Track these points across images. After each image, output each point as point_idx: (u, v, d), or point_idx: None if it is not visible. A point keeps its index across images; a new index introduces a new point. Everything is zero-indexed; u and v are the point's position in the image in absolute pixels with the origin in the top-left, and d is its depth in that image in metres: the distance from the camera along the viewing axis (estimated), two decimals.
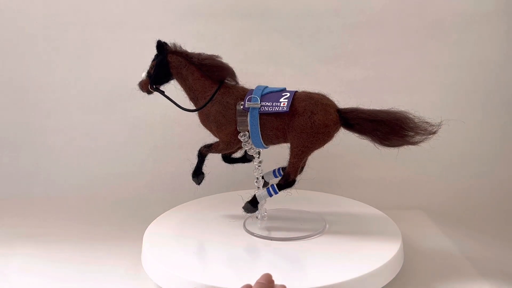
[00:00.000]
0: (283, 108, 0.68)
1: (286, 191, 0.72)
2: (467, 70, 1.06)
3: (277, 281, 0.54)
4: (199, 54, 0.75)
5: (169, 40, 1.06)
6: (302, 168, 0.74)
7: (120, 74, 1.09)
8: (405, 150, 1.09)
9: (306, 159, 0.73)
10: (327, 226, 0.75)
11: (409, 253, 0.74)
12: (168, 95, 0.77)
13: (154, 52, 1.08)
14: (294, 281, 0.60)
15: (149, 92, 0.77)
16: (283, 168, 0.74)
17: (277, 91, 0.71)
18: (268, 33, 1.05)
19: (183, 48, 0.77)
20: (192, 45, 1.07)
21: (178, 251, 0.69)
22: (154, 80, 0.76)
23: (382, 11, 1.05)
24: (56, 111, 1.11)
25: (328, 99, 0.70)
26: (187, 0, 1.05)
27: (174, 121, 1.10)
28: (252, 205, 0.74)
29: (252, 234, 0.73)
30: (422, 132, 0.67)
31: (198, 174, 0.79)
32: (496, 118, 1.08)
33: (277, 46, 1.06)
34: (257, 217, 0.79)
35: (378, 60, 1.06)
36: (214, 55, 0.75)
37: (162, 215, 0.84)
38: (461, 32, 1.04)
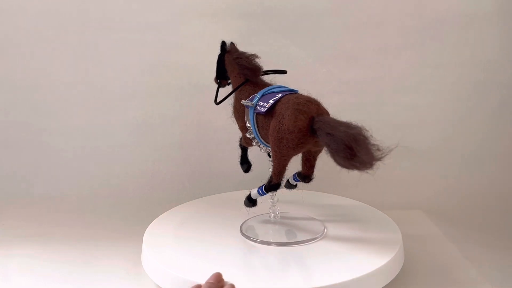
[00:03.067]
0: (264, 109, 0.67)
1: (272, 194, 0.74)
2: (467, 70, 1.06)
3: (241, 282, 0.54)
4: (239, 53, 0.79)
5: (168, 40, 1.08)
6: (309, 177, 0.72)
7: (120, 74, 1.09)
8: (405, 150, 1.09)
9: (312, 164, 0.71)
10: (326, 231, 0.75)
11: (409, 253, 0.74)
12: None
13: (153, 51, 1.09)
14: (294, 281, 0.60)
15: (218, 85, 0.85)
16: (298, 173, 0.73)
17: (276, 92, 0.70)
18: (268, 33, 1.05)
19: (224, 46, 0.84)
20: (192, 45, 1.08)
21: (178, 251, 0.69)
22: (216, 75, 0.85)
23: (382, 11, 1.05)
24: (56, 111, 1.11)
25: (308, 104, 0.63)
26: (187, 0, 1.05)
27: (174, 121, 1.10)
28: (249, 200, 0.74)
29: (249, 238, 0.73)
30: (368, 156, 0.56)
31: (242, 163, 0.82)
32: (496, 118, 1.08)
33: (277, 46, 1.06)
34: (269, 216, 0.79)
35: (378, 60, 1.06)
36: (250, 55, 0.78)
37: (162, 215, 0.84)
38: (461, 32, 1.04)
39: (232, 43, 0.84)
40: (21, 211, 1.01)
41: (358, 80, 1.07)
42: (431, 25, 1.04)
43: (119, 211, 1.00)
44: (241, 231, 0.76)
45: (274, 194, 0.76)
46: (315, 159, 0.70)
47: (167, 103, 1.09)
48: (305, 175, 0.71)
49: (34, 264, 0.76)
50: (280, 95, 0.67)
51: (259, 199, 0.74)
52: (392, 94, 1.07)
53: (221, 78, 0.84)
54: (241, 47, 1.06)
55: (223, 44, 0.83)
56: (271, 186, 0.69)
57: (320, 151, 0.68)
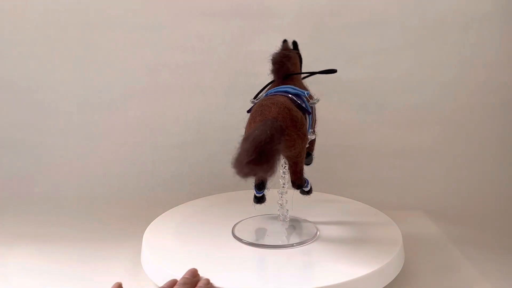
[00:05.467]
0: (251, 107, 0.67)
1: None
2: (467, 70, 1.06)
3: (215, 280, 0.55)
4: (275, 53, 0.76)
5: (168, 40, 1.08)
6: (295, 183, 0.69)
7: (120, 74, 1.09)
8: (405, 150, 1.09)
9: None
10: (318, 233, 0.74)
11: (409, 253, 0.74)
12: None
13: (153, 51, 1.09)
14: (295, 282, 0.60)
15: None
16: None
17: (273, 92, 0.69)
18: (268, 33, 1.05)
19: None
20: (192, 45, 1.08)
21: (178, 251, 0.69)
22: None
23: (382, 11, 1.05)
24: (56, 111, 1.11)
25: (270, 107, 0.61)
26: (187, 0, 1.05)
27: (174, 121, 1.10)
28: (255, 197, 0.74)
29: (241, 240, 0.72)
30: (235, 163, 0.52)
31: None
32: (496, 118, 1.08)
33: (277, 46, 1.05)
34: (279, 217, 0.78)
35: (378, 60, 1.06)
36: (283, 56, 0.75)
37: (162, 215, 0.84)
38: (461, 32, 1.04)
39: (284, 41, 0.81)
40: (21, 211, 1.01)
41: (358, 80, 1.07)
42: (431, 25, 1.04)
43: (119, 211, 1.00)
44: (233, 233, 0.75)
45: (281, 196, 0.76)
46: (292, 164, 0.66)
47: (167, 103, 1.09)
48: (292, 181, 0.69)
49: (34, 264, 0.76)
50: (274, 93, 0.67)
51: (267, 197, 0.74)
52: (392, 94, 1.07)
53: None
54: (241, 47, 1.07)
55: (284, 42, 0.81)
56: (255, 185, 0.69)
57: (293, 156, 0.64)
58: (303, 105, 0.66)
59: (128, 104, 1.10)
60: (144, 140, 1.11)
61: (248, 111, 0.67)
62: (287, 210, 0.77)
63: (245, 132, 0.64)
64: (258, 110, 0.62)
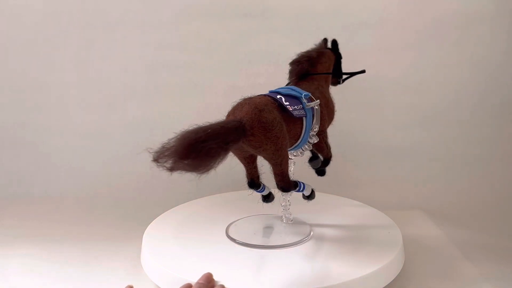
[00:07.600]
0: None
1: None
2: (467, 70, 1.06)
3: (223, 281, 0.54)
4: (300, 52, 0.77)
5: (168, 40, 1.08)
6: (278, 185, 0.67)
7: (120, 74, 1.09)
8: (405, 150, 1.10)
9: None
10: (312, 233, 0.74)
11: (409, 253, 0.74)
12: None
13: (153, 51, 1.09)
14: (294, 282, 0.60)
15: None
16: None
17: (270, 92, 0.69)
18: (268, 33, 1.05)
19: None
20: (192, 45, 1.08)
21: (178, 251, 0.69)
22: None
23: (382, 11, 1.05)
24: (56, 111, 1.11)
25: (243, 106, 0.61)
26: (187, 0, 1.05)
27: (174, 121, 1.10)
28: (262, 196, 0.74)
29: (235, 241, 0.72)
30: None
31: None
32: (496, 118, 1.08)
33: (277, 46, 1.06)
34: (282, 218, 0.78)
35: (378, 60, 1.06)
36: (301, 55, 0.75)
37: (161, 215, 0.84)
38: (461, 32, 1.04)
39: (324, 40, 0.82)
40: (21, 211, 1.01)
41: (358, 80, 1.06)
42: (431, 25, 1.05)
43: (119, 211, 1.00)
44: (227, 234, 0.74)
45: (283, 197, 0.76)
46: (272, 167, 0.64)
47: (167, 103, 1.09)
48: (276, 183, 0.67)
49: (34, 264, 0.76)
50: (261, 94, 0.67)
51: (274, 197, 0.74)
52: (392, 94, 1.07)
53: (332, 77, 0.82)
54: (241, 47, 1.07)
55: (323, 41, 0.82)
56: (247, 183, 0.70)
57: (269, 158, 0.63)
58: (291, 108, 0.63)
59: (128, 104, 1.10)
60: (144, 140, 1.10)
61: None
62: (290, 213, 0.78)
63: None
64: (232, 109, 0.62)
